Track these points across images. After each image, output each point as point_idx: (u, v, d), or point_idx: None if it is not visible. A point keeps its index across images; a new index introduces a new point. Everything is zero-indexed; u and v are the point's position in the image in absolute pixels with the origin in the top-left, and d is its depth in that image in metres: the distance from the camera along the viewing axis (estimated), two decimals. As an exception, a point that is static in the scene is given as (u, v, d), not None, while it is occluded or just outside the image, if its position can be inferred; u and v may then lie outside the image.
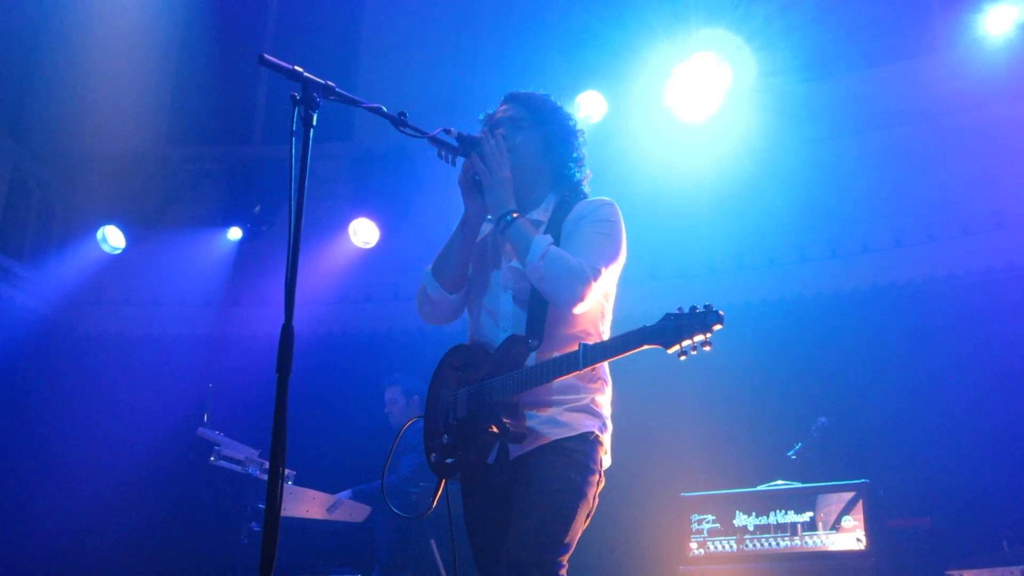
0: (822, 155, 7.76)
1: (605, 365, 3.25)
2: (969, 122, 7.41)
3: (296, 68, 2.69)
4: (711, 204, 7.60)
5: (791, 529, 5.98)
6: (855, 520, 5.77)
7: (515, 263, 3.22)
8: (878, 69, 7.97)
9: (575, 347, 3.00)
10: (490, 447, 3.12)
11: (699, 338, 2.76)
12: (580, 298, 3.05)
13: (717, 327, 2.75)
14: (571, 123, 3.46)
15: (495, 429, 3.06)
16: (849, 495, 5.86)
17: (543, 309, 3.17)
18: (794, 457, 6.46)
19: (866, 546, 5.69)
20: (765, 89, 7.54)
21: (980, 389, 6.64)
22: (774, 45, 7.49)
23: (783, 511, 6.05)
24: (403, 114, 3.04)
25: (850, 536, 5.76)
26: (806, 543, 5.91)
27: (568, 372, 2.99)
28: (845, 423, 6.68)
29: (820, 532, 5.88)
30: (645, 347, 2.86)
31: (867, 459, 6.52)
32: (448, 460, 3.23)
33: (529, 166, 3.34)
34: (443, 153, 3.24)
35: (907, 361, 6.97)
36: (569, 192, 3.39)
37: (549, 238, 3.14)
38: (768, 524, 6.07)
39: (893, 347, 7.09)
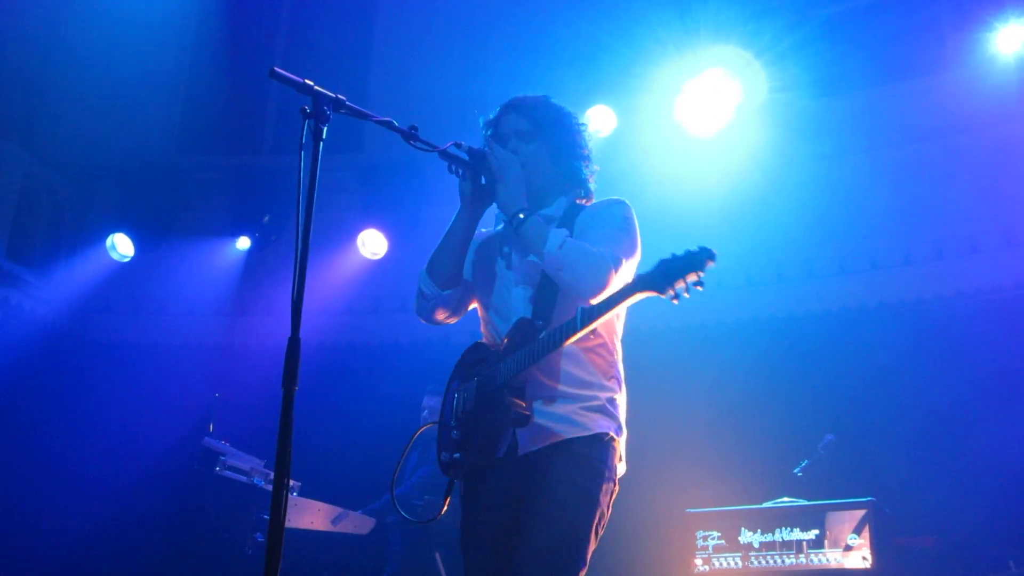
0: (831, 171, 7.76)
1: (620, 367, 3.22)
2: (979, 140, 7.41)
3: (307, 81, 2.68)
4: (720, 219, 7.59)
5: (797, 546, 5.96)
6: (861, 538, 5.75)
7: (530, 258, 3.17)
8: (888, 86, 7.97)
9: (586, 339, 3.00)
10: (498, 434, 3.03)
11: (692, 278, 2.67)
12: (604, 285, 2.96)
13: (710, 264, 2.65)
14: (575, 122, 3.41)
15: (500, 412, 2.99)
16: (855, 513, 5.84)
17: (552, 300, 3.11)
18: (800, 474, 6.44)
19: (872, 564, 5.66)
20: (775, 105, 7.55)
21: (988, 407, 6.61)
22: (784, 61, 7.51)
23: (789, 528, 6.03)
24: (414, 128, 3.03)
25: (856, 554, 5.74)
26: (812, 561, 5.88)
27: (567, 335, 2.89)
28: (852, 440, 6.66)
29: (826, 550, 5.86)
30: (640, 295, 2.79)
31: (874, 477, 6.49)
32: (456, 455, 3.14)
33: (540, 178, 3.31)
34: (454, 167, 3.21)
35: (915, 379, 6.94)
36: (579, 192, 3.37)
37: (565, 231, 3.09)
38: (774, 541, 6.05)
39: (901, 364, 7.06)
